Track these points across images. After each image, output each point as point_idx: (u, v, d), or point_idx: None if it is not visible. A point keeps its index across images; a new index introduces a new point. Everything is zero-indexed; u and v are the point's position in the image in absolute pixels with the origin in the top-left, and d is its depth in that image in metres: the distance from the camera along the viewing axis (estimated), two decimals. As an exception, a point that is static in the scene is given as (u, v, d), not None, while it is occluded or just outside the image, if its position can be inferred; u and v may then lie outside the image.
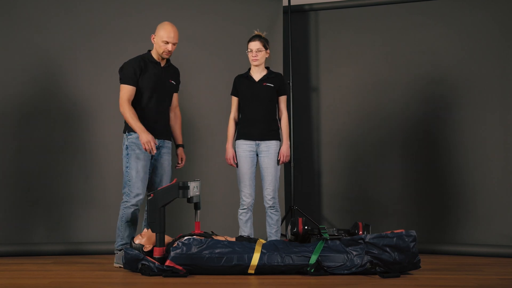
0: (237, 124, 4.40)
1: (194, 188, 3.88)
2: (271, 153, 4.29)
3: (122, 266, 3.95)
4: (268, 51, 4.42)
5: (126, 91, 4.09)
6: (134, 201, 4.05)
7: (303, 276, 3.73)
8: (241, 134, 4.35)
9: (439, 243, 4.88)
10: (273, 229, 4.34)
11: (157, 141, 4.11)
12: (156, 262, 3.75)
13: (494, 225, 4.89)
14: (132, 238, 3.96)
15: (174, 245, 3.77)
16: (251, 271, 3.73)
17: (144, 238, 3.90)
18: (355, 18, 5.39)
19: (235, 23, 5.25)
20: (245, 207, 4.31)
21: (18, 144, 4.96)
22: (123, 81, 4.12)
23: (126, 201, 4.07)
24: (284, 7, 5.38)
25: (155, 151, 4.02)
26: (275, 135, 4.32)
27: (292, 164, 5.21)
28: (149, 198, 3.88)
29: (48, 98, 5.01)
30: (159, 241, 3.82)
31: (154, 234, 3.87)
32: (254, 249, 3.77)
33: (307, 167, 5.43)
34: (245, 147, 4.32)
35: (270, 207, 4.31)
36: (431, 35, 5.16)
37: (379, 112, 5.27)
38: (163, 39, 4.15)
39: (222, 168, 4.92)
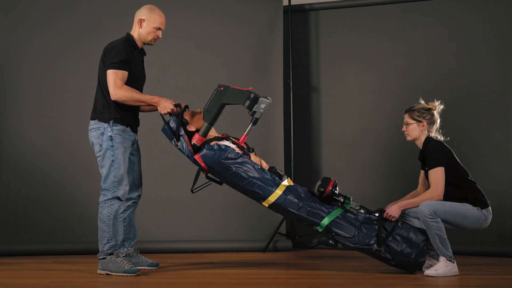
0: None
1: (262, 105, 3.79)
2: None
3: (109, 273, 3.72)
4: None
5: (123, 77, 3.71)
6: (122, 198, 3.76)
7: (304, 275, 3.73)
8: None
9: (439, 243, 4.87)
10: None
11: (135, 136, 3.90)
12: (190, 146, 3.77)
13: (494, 225, 4.88)
14: (183, 110, 3.83)
15: (211, 144, 3.78)
16: (265, 204, 3.78)
17: (194, 118, 3.87)
18: (356, 18, 5.39)
19: (235, 23, 5.25)
20: None
21: (18, 144, 4.96)
22: (118, 66, 3.70)
23: (111, 199, 3.72)
24: (285, 6, 5.38)
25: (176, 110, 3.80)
26: None
27: (292, 164, 5.21)
28: (218, 88, 3.81)
29: (48, 98, 5.01)
30: (204, 131, 3.81)
31: (202, 120, 3.83)
32: (279, 185, 3.77)
33: (307, 167, 5.43)
34: None
35: None
36: (431, 35, 5.15)
37: (379, 112, 5.27)
38: (155, 24, 3.86)
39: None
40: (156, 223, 4.97)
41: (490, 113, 4.97)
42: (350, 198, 3.88)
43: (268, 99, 3.82)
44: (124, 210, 3.87)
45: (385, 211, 3.84)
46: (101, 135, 3.76)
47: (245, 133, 3.85)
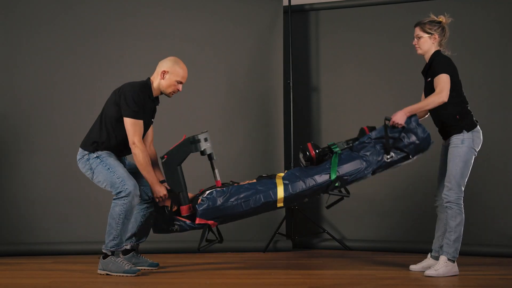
0: None
1: (204, 140, 3.83)
2: None
3: (109, 273, 3.75)
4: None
5: (140, 128, 3.78)
6: (135, 192, 3.74)
7: (304, 275, 3.73)
8: None
9: (439, 243, 4.88)
10: None
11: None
12: (187, 220, 3.78)
13: (494, 225, 4.89)
14: (158, 202, 3.85)
15: (198, 202, 3.78)
16: (280, 204, 3.80)
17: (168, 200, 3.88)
18: (356, 18, 5.39)
19: (235, 23, 5.25)
20: None
21: (18, 144, 4.96)
22: (136, 115, 3.76)
23: (125, 196, 3.71)
24: (285, 6, 5.38)
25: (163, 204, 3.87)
26: None
27: (292, 164, 5.21)
28: (163, 160, 3.83)
29: (47, 98, 5.01)
30: (184, 199, 3.80)
31: (171, 195, 3.84)
32: (276, 183, 3.81)
33: (307, 167, 5.42)
34: None
35: None
36: (431, 35, 5.15)
37: (379, 112, 5.25)
38: (178, 78, 3.88)
39: (224, 169, 4.90)
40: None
41: (490, 113, 4.96)
42: (333, 143, 3.95)
43: (204, 131, 3.89)
44: (147, 207, 3.97)
45: (390, 119, 3.86)
46: (87, 161, 3.85)
47: (216, 179, 3.92)
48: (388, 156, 3.79)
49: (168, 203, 3.86)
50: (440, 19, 3.95)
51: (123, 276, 3.68)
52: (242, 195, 3.78)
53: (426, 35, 3.92)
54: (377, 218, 5.20)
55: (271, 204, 3.78)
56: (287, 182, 3.80)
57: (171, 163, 3.82)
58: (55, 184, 4.95)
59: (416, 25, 3.98)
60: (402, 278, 3.64)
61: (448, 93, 3.76)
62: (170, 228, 3.84)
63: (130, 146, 3.80)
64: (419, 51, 3.98)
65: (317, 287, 3.38)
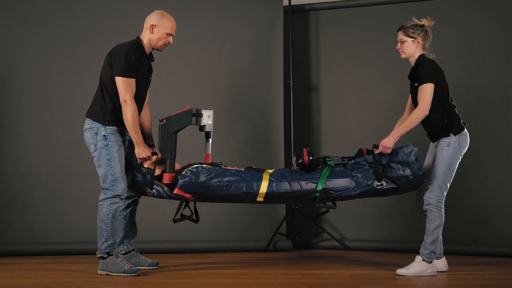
0: None
1: (207, 116, 3.83)
2: None
3: (109, 273, 3.75)
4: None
5: (131, 86, 3.75)
6: (122, 196, 3.77)
7: (304, 275, 3.73)
8: None
9: (439, 243, 4.88)
10: None
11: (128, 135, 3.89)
12: (165, 188, 3.77)
13: (494, 225, 4.89)
14: (141, 163, 3.83)
15: (182, 173, 3.77)
16: (260, 199, 3.77)
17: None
18: (356, 18, 5.39)
19: (235, 23, 5.25)
20: None
21: (18, 143, 4.96)
22: (127, 73, 3.74)
23: (112, 197, 3.74)
24: (285, 6, 5.38)
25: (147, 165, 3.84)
26: None
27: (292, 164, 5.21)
28: (161, 123, 3.81)
29: (47, 98, 5.01)
30: (169, 167, 3.80)
31: (163, 159, 3.83)
32: (262, 177, 3.80)
33: (307, 167, 5.42)
34: None
35: None
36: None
37: (379, 112, 5.27)
38: (167, 30, 3.86)
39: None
40: (156, 223, 4.96)
41: (490, 113, 4.96)
42: (329, 155, 3.93)
43: (210, 108, 3.88)
44: (124, 208, 3.90)
45: (378, 146, 3.85)
46: (95, 135, 3.79)
47: (206, 152, 3.91)
48: (379, 184, 3.75)
49: (151, 165, 3.84)
50: (423, 23, 3.95)
51: (123, 276, 3.68)
52: (226, 179, 3.76)
53: (409, 39, 3.92)
54: (377, 218, 5.20)
55: (252, 196, 3.77)
56: (273, 179, 3.79)
57: (168, 128, 3.80)
58: (55, 184, 4.95)
59: (399, 30, 3.98)
60: (402, 278, 3.64)
61: (430, 104, 3.76)
62: (148, 191, 3.81)
63: (122, 104, 3.75)
64: (403, 56, 3.98)
65: (317, 287, 3.38)
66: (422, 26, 3.93)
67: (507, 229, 4.82)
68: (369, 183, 3.75)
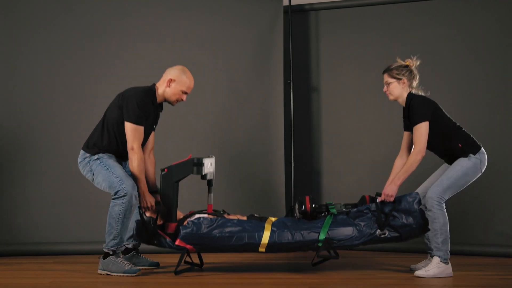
0: None
1: (208, 165, 3.82)
2: None
3: (109, 273, 3.76)
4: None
5: (140, 134, 3.79)
6: (133, 192, 3.73)
7: (304, 276, 3.73)
8: None
9: (439, 243, 4.87)
10: None
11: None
12: (168, 238, 3.76)
13: (494, 225, 4.89)
14: (144, 211, 3.83)
15: (184, 224, 3.76)
16: (261, 249, 3.75)
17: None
18: (356, 18, 5.39)
19: (235, 23, 5.25)
20: None
21: (18, 144, 4.96)
22: (138, 121, 3.77)
23: (123, 196, 3.71)
24: (285, 6, 5.38)
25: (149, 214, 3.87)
26: None
27: (292, 164, 5.21)
28: (163, 173, 3.82)
29: (47, 98, 5.01)
30: (173, 217, 3.79)
31: (160, 208, 3.83)
32: (264, 227, 3.77)
33: (307, 167, 5.42)
34: None
35: None
36: (431, 35, 5.15)
37: (379, 112, 5.27)
38: (183, 88, 3.90)
39: (225, 169, 4.91)
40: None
41: (490, 113, 4.97)
42: (332, 203, 3.91)
43: (211, 156, 3.88)
44: (133, 205, 3.89)
45: (380, 194, 3.84)
46: (87, 163, 3.86)
47: (208, 203, 3.91)
48: (381, 232, 3.74)
49: (153, 215, 3.85)
50: (407, 63, 3.96)
51: (123, 276, 3.68)
52: (227, 230, 3.74)
53: (394, 81, 3.93)
54: (377, 218, 5.19)
55: (253, 246, 3.75)
56: (275, 229, 3.76)
57: (169, 178, 3.81)
58: (55, 184, 4.95)
59: (384, 72, 3.99)
60: (402, 278, 3.64)
61: (425, 144, 3.78)
62: (150, 240, 3.81)
63: (128, 151, 3.80)
64: (391, 97, 3.99)
65: (317, 287, 3.38)
66: (407, 66, 3.94)
67: (507, 229, 4.82)
68: (372, 232, 3.73)
